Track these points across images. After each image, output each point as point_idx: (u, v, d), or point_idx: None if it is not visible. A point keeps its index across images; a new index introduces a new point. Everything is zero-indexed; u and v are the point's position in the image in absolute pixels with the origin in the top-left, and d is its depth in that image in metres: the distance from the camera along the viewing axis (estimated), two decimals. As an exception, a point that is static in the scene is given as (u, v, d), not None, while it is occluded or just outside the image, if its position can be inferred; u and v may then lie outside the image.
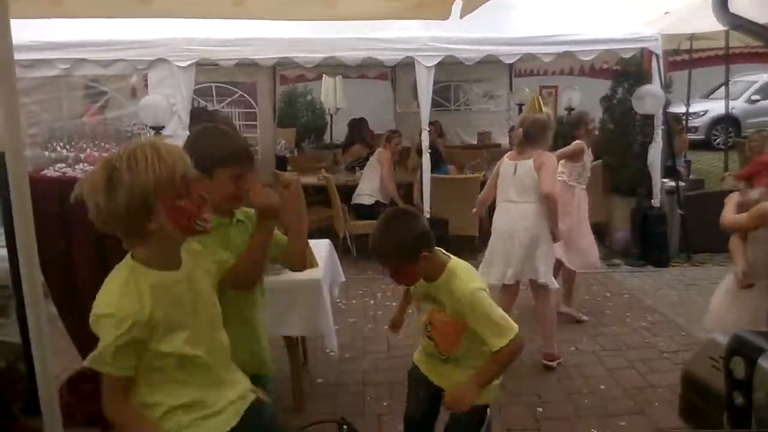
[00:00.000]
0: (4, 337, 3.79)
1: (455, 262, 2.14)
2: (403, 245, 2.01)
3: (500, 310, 2.03)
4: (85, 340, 3.01)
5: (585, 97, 7.55)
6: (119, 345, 1.44)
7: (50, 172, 2.89)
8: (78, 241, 2.77)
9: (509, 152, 3.98)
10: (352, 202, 6.38)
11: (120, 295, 1.47)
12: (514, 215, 3.74)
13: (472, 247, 5.66)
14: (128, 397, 1.53)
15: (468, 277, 2.08)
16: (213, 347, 1.61)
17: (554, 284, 3.82)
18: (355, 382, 3.67)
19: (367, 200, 6.25)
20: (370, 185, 6.29)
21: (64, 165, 2.96)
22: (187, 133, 5.37)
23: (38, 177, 2.79)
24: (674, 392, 3.32)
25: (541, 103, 4.66)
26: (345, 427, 1.14)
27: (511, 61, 6.26)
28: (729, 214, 3.00)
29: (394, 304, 5.04)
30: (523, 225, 3.70)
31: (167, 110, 4.85)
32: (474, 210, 4.20)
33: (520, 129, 3.82)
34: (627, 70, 6.55)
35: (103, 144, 2.94)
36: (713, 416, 1.47)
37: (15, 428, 2.86)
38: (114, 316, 1.44)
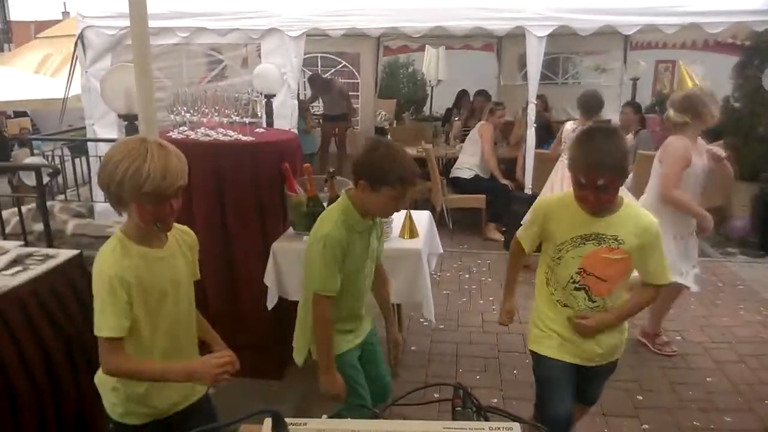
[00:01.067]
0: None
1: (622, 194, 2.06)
2: (627, 157, 1.94)
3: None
4: (199, 294, 3.26)
5: (709, 74, 7.02)
6: (111, 306, 1.57)
7: (174, 134, 3.07)
8: (197, 202, 2.95)
9: (689, 143, 3.28)
10: (450, 176, 6.35)
11: (111, 262, 1.61)
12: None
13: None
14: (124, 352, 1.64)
15: (645, 212, 2.09)
16: (178, 324, 1.75)
17: None
18: (449, 353, 3.70)
19: (467, 174, 6.20)
20: (471, 159, 6.23)
21: (186, 128, 3.13)
22: (296, 102, 5.57)
23: (165, 139, 2.98)
24: (790, 392, 3.13)
25: (691, 74, 4.25)
26: (461, 391, 1.17)
27: (630, 33, 5.88)
28: None
29: (490, 279, 5.06)
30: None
31: (279, 79, 5.01)
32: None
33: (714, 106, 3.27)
34: (759, 45, 6.00)
35: (223, 109, 3.08)
36: None
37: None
38: (105, 281, 1.58)
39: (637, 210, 2.06)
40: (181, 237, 1.80)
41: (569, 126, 5.12)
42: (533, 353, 2.21)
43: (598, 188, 1.89)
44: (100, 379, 1.76)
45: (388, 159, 1.96)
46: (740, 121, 6.08)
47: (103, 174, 1.58)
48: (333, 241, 1.99)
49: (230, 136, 3.05)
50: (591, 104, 5.01)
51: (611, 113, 8.69)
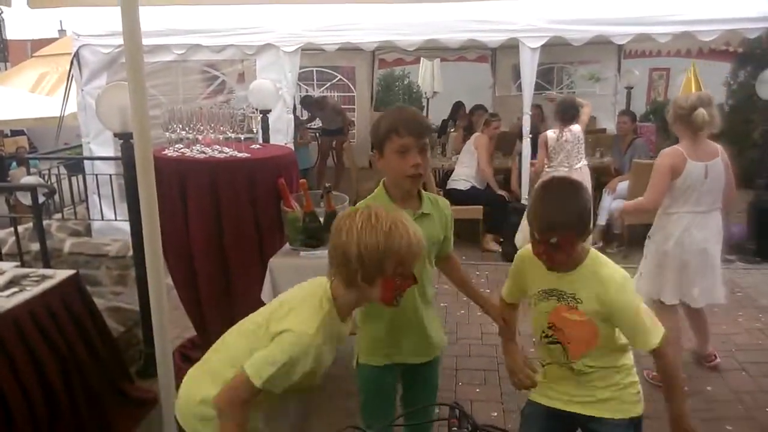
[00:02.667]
0: (123, 304, 4.15)
1: (595, 250, 1.93)
2: (584, 215, 1.80)
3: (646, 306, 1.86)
4: (196, 309, 3.26)
5: (702, 81, 7.05)
6: (282, 367, 1.51)
7: (170, 152, 3.07)
8: (194, 219, 2.95)
9: (681, 146, 3.18)
10: (447, 187, 6.36)
11: (317, 325, 1.56)
12: (713, 227, 3.26)
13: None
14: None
15: (614, 264, 1.89)
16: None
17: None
18: (448, 366, 3.68)
19: (463, 185, 6.21)
20: (466, 170, 6.23)
21: (182, 146, 3.14)
22: (291, 116, 5.60)
23: (161, 156, 2.99)
24: (791, 400, 3.12)
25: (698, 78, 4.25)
26: (458, 411, 1.15)
27: (623, 42, 5.92)
28: None
29: (488, 290, 5.05)
30: (719, 238, 3.27)
31: (274, 94, 5.04)
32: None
33: (700, 110, 3.08)
34: (751, 51, 6.06)
35: (219, 126, 3.09)
36: None
37: (132, 389, 3.10)
38: (300, 344, 1.53)
39: (598, 268, 1.86)
40: None
41: (551, 134, 5.22)
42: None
43: (551, 245, 1.78)
44: (190, 403, 1.70)
45: (383, 116, 1.95)
46: (734, 127, 6.12)
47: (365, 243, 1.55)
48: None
49: (226, 153, 3.06)
50: (569, 112, 5.15)
51: (606, 122, 8.75)
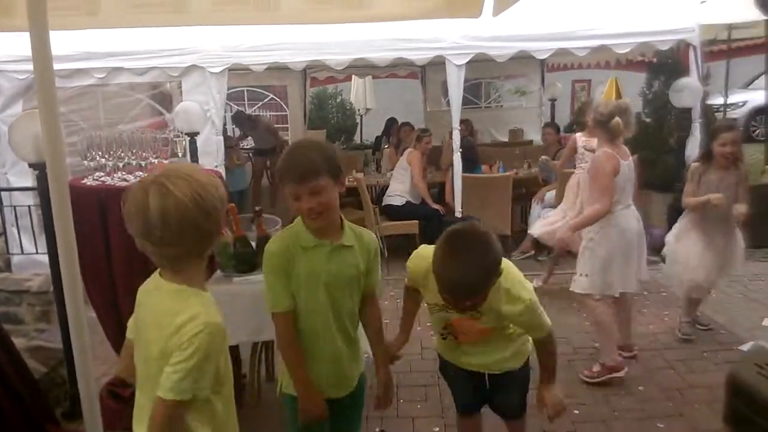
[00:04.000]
0: (47, 342, 3.92)
1: (505, 263, 1.97)
2: (495, 270, 1.84)
3: (542, 313, 2.03)
4: (122, 344, 3.11)
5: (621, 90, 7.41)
6: None
7: (90, 181, 2.94)
8: (116, 248, 2.83)
9: (610, 149, 3.42)
10: (382, 204, 6.38)
11: (207, 308, 1.52)
12: (637, 217, 3.59)
13: (505, 247, 5.61)
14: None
15: (519, 288, 1.99)
16: None
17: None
18: (389, 383, 3.66)
19: (398, 201, 6.25)
20: (401, 186, 6.29)
21: (102, 174, 3.01)
22: (221, 138, 5.49)
23: (79, 186, 2.86)
24: (714, 393, 3.26)
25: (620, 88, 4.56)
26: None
27: (544, 57, 6.16)
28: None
29: (426, 304, 5.04)
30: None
31: (201, 116, 4.93)
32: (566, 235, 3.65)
33: (616, 118, 3.33)
34: (663, 62, 6.40)
35: (141, 152, 2.99)
36: (758, 424, 1.42)
37: (57, 432, 2.93)
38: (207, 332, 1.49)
39: (504, 289, 1.97)
40: None
41: (579, 140, 5.17)
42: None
43: (465, 306, 1.89)
44: None
45: (282, 156, 1.91)
46: (652, 135, 6.44)
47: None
48: (268, 253, 1.93)
49: (149, 180, 2.95)
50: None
51: (533, 134, 9.04)
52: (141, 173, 3.01)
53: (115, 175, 2.98)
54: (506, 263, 1.99)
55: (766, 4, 2.90)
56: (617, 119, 3.31)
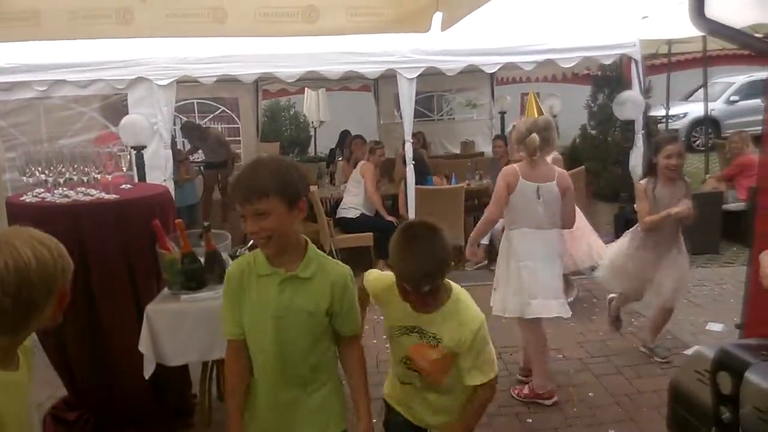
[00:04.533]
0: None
1: (457, 287, 1.96)
2: (448, 258, 1.84)
3: (492, 348, 1.97)
4: (65, 368, 2.99)
5: (568, 104, 7.62)
6: None
7: (29, 198, 2.83)
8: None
9: (517, 166, 3.42)
10: (336, 216, 6.36)
11: None
12: (549, 244, 3.43)
13: (458, 257, 5.66)
14: None
15: (474, 306, 1.95)
16: None
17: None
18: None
19: (352, 213, 6.24)
20: (354, 198, 6.28)
21: (42, 190, 2.90)
22: (169, 152, 5.37)
23: (18, 203, 2.75)
24: (662, 397, 3.31)
25: (539, 102, 4.57)
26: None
27: (493, 71, 6.30)
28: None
29: (382, 317, 5.01)
30: (554, 257, 3.45)
31: (148, 130, 4.83)
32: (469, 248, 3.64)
33: (533, 135, 3.27)
34: (607, 75, 6.62)
35: (83, 168, 2.89)
36: (699, 429, 1.46)
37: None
38: None
39: (459, 311, 1.92)
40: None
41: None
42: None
43: (423, 293, 1.82)
44: None
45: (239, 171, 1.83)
46: (597, 147, 6.63)
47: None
48: (226, 276, 1.85)
49: (92, 195, 2.86)
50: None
51: (484, 146, 9.19)
52: (84, 188, 2.92)
53: (55, 192, 2.87)
54: (460, 288, 1.98)
55: (701, 22, 3.02)
56: (533, 136, 3.27)
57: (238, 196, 1.67)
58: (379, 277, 2.09)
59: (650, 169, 3.71)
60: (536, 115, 3.97)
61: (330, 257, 1.88)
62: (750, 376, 1.27)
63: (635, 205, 3.76)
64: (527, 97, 4.59)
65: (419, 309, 1.89)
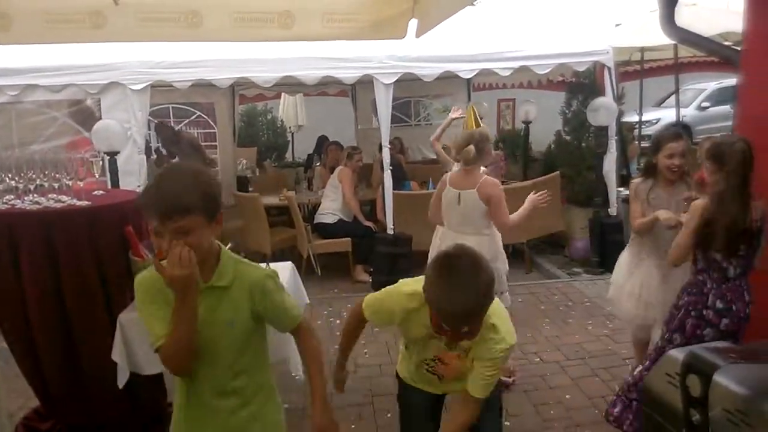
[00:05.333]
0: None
1: (494, 305, 1.85)
2: (492, 292, 1.72)
3: None
4: (37, 377, 2.93)
5: (543, 110, 7.69)
6: None
7: (-1, 205, 2.77)
8: (28, 274, 2.67)
9: (450, 174, 3.69)
10: (314, 222, 6.34)
11: None
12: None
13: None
14: None
15: (507, 326, 1.92)
16: None
17: None
18: (322, 405, 3.60)
19: (330, 219, 6.23)
20: (333, 204, 6.27)
21: (12, 197, 2.84)
22: (144, 157, 5.30)
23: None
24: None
25: (477, 114, 4.66)
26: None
27: (469, 77, 6.34)
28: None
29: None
30: None
31: (122, 135, 4.76)
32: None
33: (470, 147, 3.42)
34: (581, 82, 6.70)
35: (54, 174, 2.84)
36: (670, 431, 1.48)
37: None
38: None
39: (492, 331, 1.89)
40: None
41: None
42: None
43: (462, 333, 1.73)
44: None
45: (149, 184, 1.67)
46: (572, 153, 6.70)
47: None
48: (137, 284, 1.72)
49: (64, 202, 2.81)
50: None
51: (462, 151, 9.20)
52: (55, 195, 2.87)
53: (26, 198, 2.82)
54: (495, 306, 1.89)
55: (671, 30, 3.09)
56: (468, 147, 3.43)
57: (158, 212, 1.54)
58: (382, 306, 2.02)
59: (648, 170, 3.31)
60: (474, 127, 4.05)
61: (248, 261, 1.82)
62: (718, 378, 1.29)
63: (630, 208, 3.42)
64: (467, 110, 4.71)
65: (451, 344, 1.85)
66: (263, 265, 2.96)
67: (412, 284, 1.93)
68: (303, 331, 1.88)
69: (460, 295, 1.65)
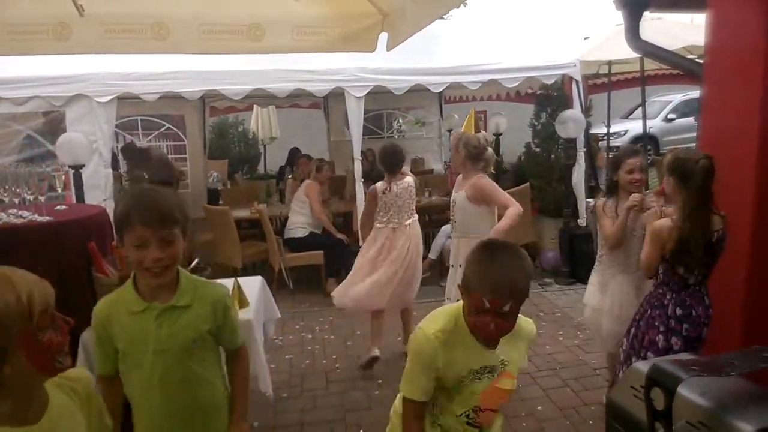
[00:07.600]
0: None
1: None
2: (531, 280, 1.71)
3: None
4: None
5: (513, 122, 7.79)
6: None
7: (-46, 221, 2.68)
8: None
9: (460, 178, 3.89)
10: (285, 237, 6.27)
11: None
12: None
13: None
14: None
15: (522, 318, 1.85)
16: None
17: None
18: (293, 423, 3.56)
19: (301, 233, 6.17)
20: (301, 218, 6.20)
21: (-31, 213, 2.75)
22: (110, 170, 5.21)
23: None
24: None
25: (477, 120, 4.71)
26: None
27: (439, 90, 6.40)
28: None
29: (332, 336, 5.01)
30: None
31: (87, 148, 4.67)
32: None
33: (489, 150, 3.80)
34: (549, 95, 6.80)
35: (15, 189, 2.76)
36: (636, 444, 1.49)
37: None
38: None
39: (523, 321, 1.88)
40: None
41: (380, 186, 4.42)
42: None
43: (501, 315, 1.64)
44: None
45: (121, 198, 1.78)
46: (541, 164, 6.78)
47: None
48: (95, 312, 1.78)
49: (24, 218, 2.74)
50: (397, 158, 4.53)
51: (434, 163, 9.29)
52: (15, 211, 2.79)
53: (-17, 214, 2.74)
54: None
55: (636, 44, 3.16)
56: (491, 151, 3.76)
57: (147, 219, 1.61)
58: (419, 364, 1.76)
59: (610, 188, 3.36)
60: (473, 131, 4.07)
61: (204, 279, 1.88)
62: (682, 391, 1.30)
63: (598, 226, 3.48)
64: (468, 114, 4.73)
65: (490, 341, 1.72)
66: (231, 280, 2.94)
67: (432, 323, 1.79)
68: (242, 353, 1.97)
69: (506, 266, 1.66)
